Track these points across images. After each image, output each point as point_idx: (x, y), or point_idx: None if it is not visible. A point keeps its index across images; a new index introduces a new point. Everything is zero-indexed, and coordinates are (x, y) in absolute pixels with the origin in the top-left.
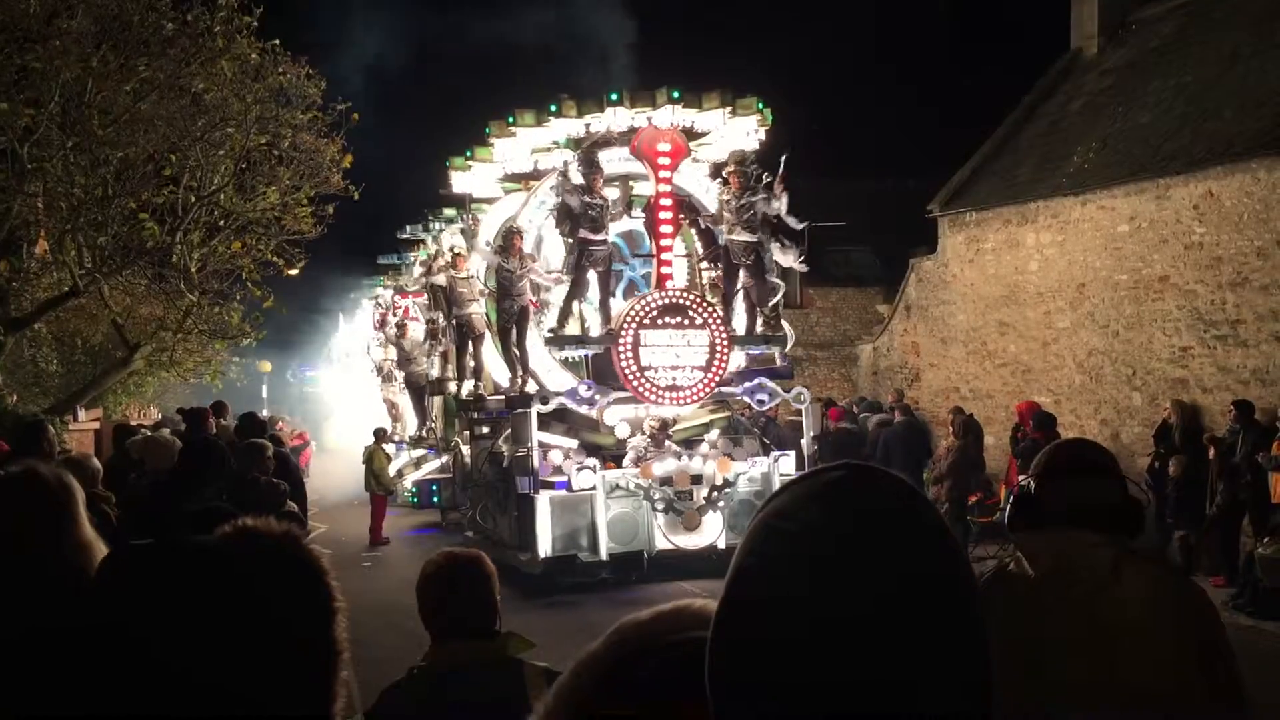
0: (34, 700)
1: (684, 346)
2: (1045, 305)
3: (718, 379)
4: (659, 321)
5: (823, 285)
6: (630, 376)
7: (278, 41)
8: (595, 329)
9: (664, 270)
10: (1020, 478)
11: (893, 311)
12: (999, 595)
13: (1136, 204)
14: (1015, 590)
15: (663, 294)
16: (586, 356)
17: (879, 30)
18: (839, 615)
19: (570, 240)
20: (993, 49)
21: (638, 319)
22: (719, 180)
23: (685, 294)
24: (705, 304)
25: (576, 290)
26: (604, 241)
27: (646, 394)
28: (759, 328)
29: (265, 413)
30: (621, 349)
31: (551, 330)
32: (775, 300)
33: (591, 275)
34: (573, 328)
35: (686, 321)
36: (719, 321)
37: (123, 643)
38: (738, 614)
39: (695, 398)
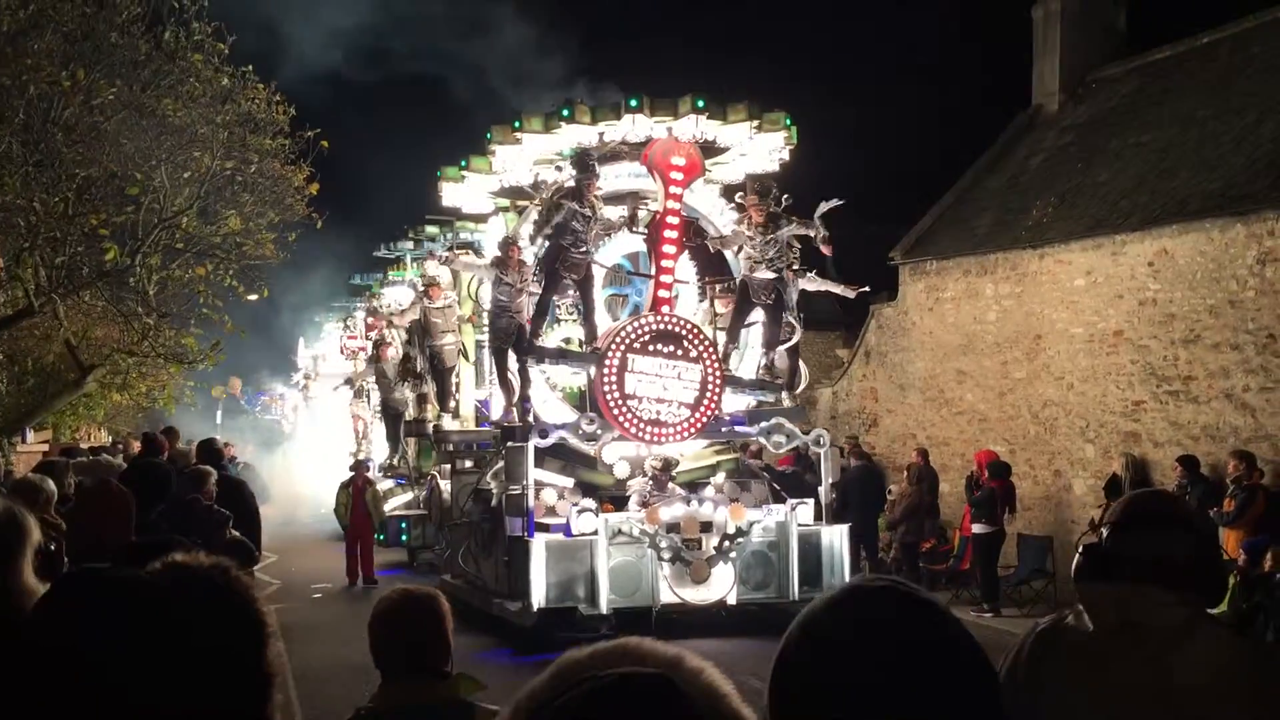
0: None
1: (673, 379)
2: (1002, 355)
3: (704, 420)
4: (650, 348)
5: None
6: (611, 403)
7: (250, 67)
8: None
9: (661, 294)
10: (1090, 531)
11: (852, 356)
12: (1057, 647)
13: (1093, 259)
14: (1073, 643)
15: (658, 318)
16: (587, 388)
17: (842, 75)
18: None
19: (548, 244)
20: (955, 101)
21: (627, 341)
22: (733, 206)
23: (683, 322)
24: (702, 336)
25: (550, 291)
26: (585, 251)
27: (625, 425)
28: (761, 371)
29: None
30: (606, 371)
31: (528, 339)
32: (792, 341)
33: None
34: (551, 339)
35: (680, 352)
36: (714, 358)
37: (61, 665)
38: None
39: (677, 437)
